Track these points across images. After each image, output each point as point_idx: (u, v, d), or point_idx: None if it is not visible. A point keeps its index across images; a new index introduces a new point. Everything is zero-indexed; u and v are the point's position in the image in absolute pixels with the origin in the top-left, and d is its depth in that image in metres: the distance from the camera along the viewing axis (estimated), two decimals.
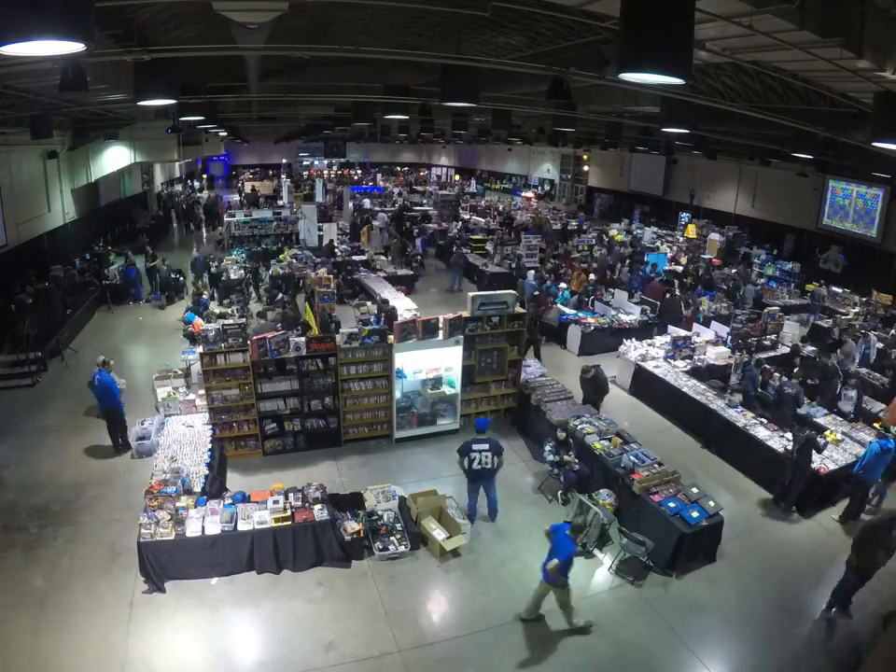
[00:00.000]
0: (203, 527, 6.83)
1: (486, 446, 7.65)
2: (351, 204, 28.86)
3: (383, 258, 20.41)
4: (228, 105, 14.97)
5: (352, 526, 7.29)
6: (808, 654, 6.29)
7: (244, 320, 11.30)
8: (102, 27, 5.99)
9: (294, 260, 18.48)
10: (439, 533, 7.40)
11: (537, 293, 15.28)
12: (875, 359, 12.73)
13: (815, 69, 6.34)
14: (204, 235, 23.52)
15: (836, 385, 10.77)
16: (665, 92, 8.18)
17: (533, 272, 16.95)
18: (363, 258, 19.77)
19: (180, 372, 11.04)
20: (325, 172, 44.96)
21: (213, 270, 17.04)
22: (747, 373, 10.86)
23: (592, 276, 17.46)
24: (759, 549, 7.76)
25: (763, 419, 9.66)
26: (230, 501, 7.28)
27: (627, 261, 20.36)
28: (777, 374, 11.11)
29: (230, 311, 14.30)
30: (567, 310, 14.95)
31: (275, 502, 7.16)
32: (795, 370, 11.48)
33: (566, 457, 8.44)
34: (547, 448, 8.61)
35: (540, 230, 24.92)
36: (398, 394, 9.68)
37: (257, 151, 44.66)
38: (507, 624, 6.41)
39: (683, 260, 21.20)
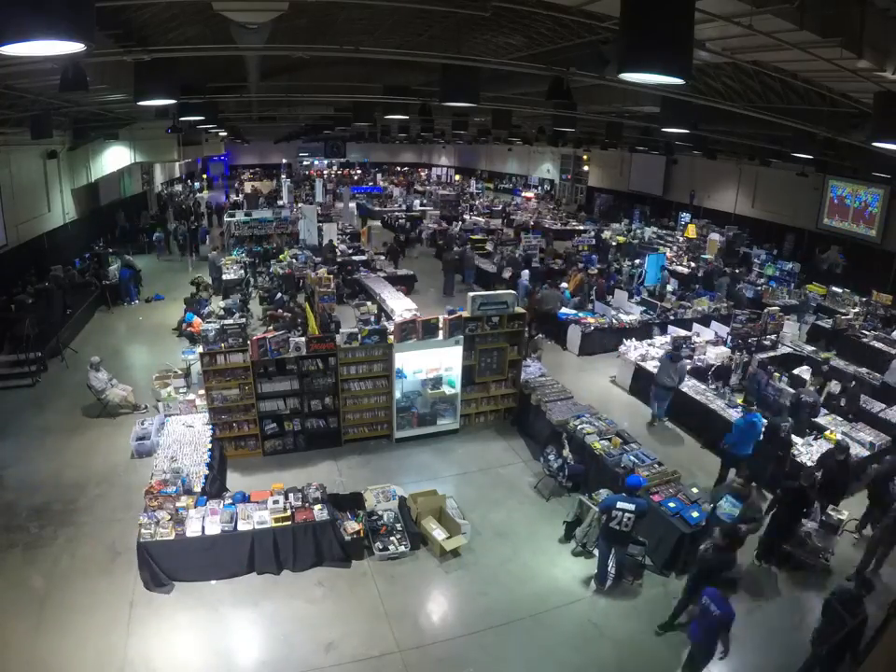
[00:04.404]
0: (203, 527, 6.84)
1: (632, 508, 6.59)
2: (353, 205, 28.90)
3: (382, 257, 20.40)
4: (228, 105, 14.96)
5: (352, 526, 7.29)
6: (808, 654, 6.26)
7: (244, 320, 11.31)
8: (102, 27, 5.97)
9: (294, 260, 18.49)
10: (439, 533, 7.40)
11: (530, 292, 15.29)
12: None
13: (815, 69, 6.33)
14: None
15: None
16: (665, 92, 8.17)
17: (527, 271, 16.90)
18: (363, 258, 19.79)
19: (180, 372, 11.05)
20: (325, 172, 45.00)
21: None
22: (754, 377, 10.71)
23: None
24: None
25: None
26: (230, 501, 7.28)
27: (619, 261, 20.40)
28: (776, 374, 11.11)
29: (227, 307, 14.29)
30: (566, 310, 14.96)
31: (275, 502, 7.16)
32: (809, 378, 11.20)
33: (564, 452, 8.48)
34: (551, 457, 8.61)
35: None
36: (398, 394, 9.67)
37: (257, 151, 44.71)
38: (507, 624, 6.42)
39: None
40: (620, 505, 6.62)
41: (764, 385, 10.68)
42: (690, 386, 10.91)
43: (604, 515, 6.80)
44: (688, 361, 11.55)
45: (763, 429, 8.70)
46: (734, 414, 9.78)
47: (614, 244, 23.49)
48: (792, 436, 8.99)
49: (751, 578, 7.24)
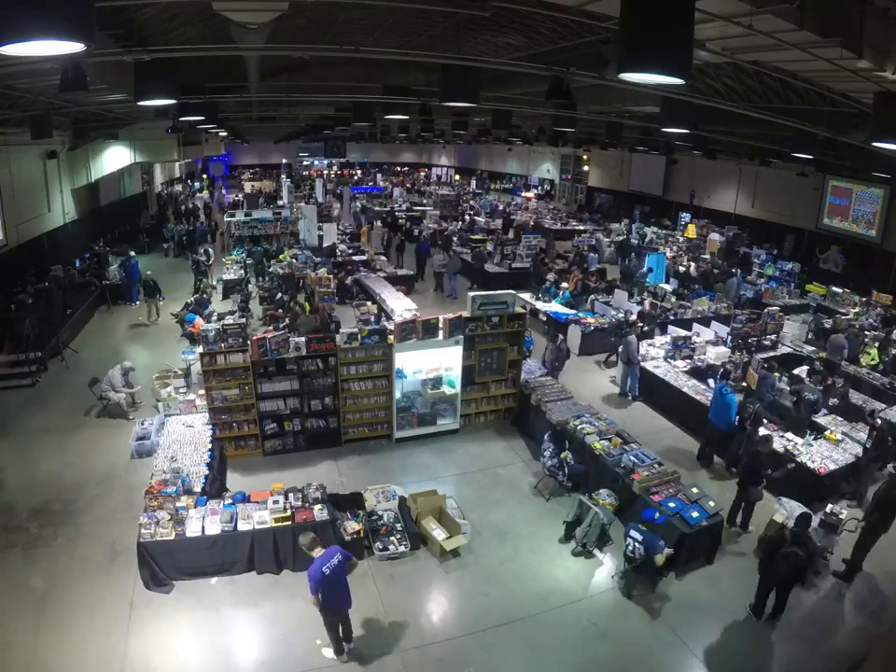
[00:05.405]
0: (203, 527, 6.84)
1: (640, 538, 6.75)
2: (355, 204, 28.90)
3: (383, 257, 20.40)
4: (228, 105, 14.96)
5: (352, 526, 7.30)
6: (808, 654, 6.29)
7: (244, 320, 11.31)
8: (102, 27, 5.97)
9: (294, 260, 18.50)
10: (439, 533, 7.40)
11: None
12: None
13: (815, 69, 6.34)
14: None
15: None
16: (664, 92, 8.17)
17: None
18: (363, 258, 19.79)
19: (180, 372, 11.04)
20: (325, 172, 45.02)
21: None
22: (765, 380, 10.51)
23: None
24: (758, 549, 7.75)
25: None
26: (230, 501, 7.28)
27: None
28: (776, 374, 11.08)
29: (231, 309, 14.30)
30: (566, 310, 14.98)
31: (275, 502, 7.16)
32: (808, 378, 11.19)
33: (563, 453, 8.47)
34: (547, 453, 8.59)
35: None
36: (398, 394, 9.67)
37: (257, 151, 44.74)
38: (507, 624, 6.42)
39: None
40: (633, 534, 6.80)
41: (771, 389, 10.46)
42: (690, 387, 10.93)
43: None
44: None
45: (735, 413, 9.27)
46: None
47: (610, 246, 23.54)
48: (779, 427, 9.34)
49: (750, 579, 7.24)
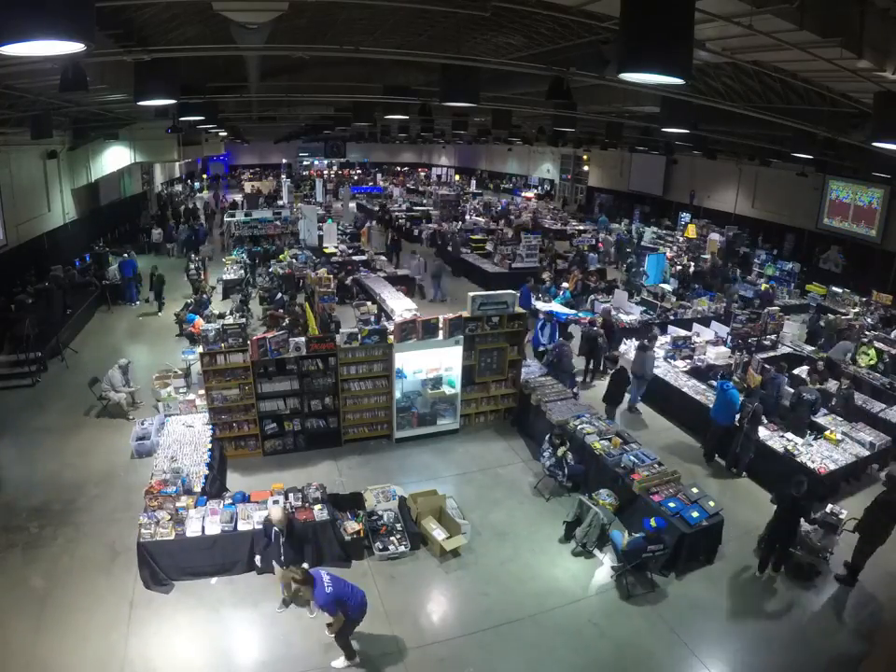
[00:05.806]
0: (203, 527, 6.84)
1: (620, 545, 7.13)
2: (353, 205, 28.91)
3: (383, 257, 20.38)
4: (228, 105, 14.95)
5: (352, 526, 7.29)
6: (808, 654, 6.29)
7: (244, 320, 11.30)
8: (102, 27, 5.97)
9: (294, 260, 18.50)
10: (439, 533, 7.40)
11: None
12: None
13: (815, 69, 6.34)
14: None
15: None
16: (665, 92, 8.18)
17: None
18: (363, 258, 19.78)
19: (180, 372, 11.05)
20: (325, 172, 45.04)
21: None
22: (774, 381, 10.37)
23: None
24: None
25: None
26: (230, 501, 7.29)
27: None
28: (785, 377, 11.04)
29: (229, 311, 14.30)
30: (566, 310, 14.97)
31: (275, 502, 7.16)
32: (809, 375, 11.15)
33: (560, 453, 8.46)
34: (546, 453, 8.59)
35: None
36: (398, 394, 9.67)
37: (257, 151, 44.81)
38: (507, 624, 6.41)
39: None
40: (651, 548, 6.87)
41: (779, 391, 10.32)
42: (690, 386, 10.93)
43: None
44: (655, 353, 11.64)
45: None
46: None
47: (613, 248, 23.56)
48: (772, 423, 9.45)
49: (750, 579, 7.25)
